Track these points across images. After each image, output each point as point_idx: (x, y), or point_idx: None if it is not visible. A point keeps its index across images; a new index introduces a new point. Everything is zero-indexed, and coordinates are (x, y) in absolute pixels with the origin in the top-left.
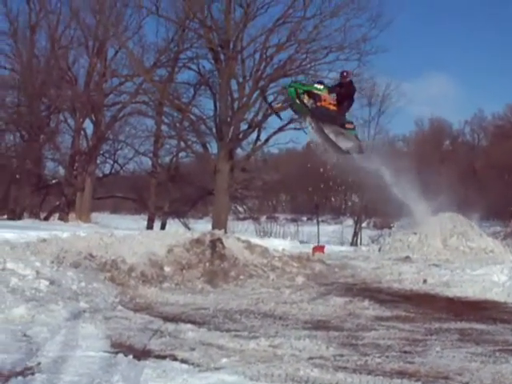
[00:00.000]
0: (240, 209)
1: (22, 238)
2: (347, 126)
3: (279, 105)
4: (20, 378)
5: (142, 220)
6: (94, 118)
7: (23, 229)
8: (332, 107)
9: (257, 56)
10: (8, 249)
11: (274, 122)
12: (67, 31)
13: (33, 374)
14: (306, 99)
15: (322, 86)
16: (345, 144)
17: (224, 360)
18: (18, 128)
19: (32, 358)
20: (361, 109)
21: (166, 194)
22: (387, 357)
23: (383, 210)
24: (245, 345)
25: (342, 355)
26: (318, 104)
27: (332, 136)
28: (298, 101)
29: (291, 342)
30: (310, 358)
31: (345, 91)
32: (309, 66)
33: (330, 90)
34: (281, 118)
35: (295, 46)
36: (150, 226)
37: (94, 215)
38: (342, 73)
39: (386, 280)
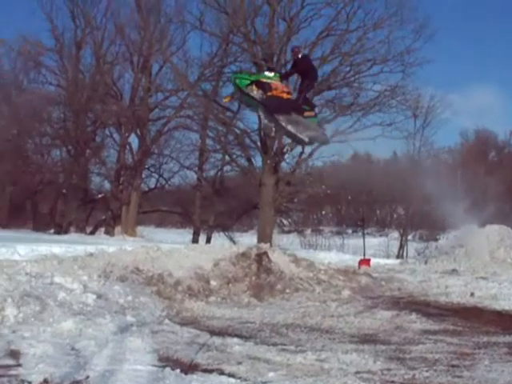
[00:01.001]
0: (285, 222)
1: (69, 252)
2: (306, 113)
3: (227, 98)
4: None
5: (187, 234)
6: (139, 133)
7: (70, 243)
8: (286, 95)
9: None
10: (56, 263)
11: None
12: (112, 47)
13: None
14: (254, 90)
15: (272, 74)
16: (306, 134)
17: (271, 374)
18: (65, 143)
19: (80, 371)
20: (406, 121)
21: (211, 207)
22: (435, 371)
23: (429, 223)
24: (292, 359)
25: (389, 369)
26: (269, 94)
27: (290, 127)
28: (245, 93)
29: (338, 355)
30: (357, 372)
31: (300, 69)
32: (353, 78)
33: (285, 75)
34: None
35: (339, 59)
36: (195, 240)
37: (140, 229)
38: (292, 50)
39: (433, 293)
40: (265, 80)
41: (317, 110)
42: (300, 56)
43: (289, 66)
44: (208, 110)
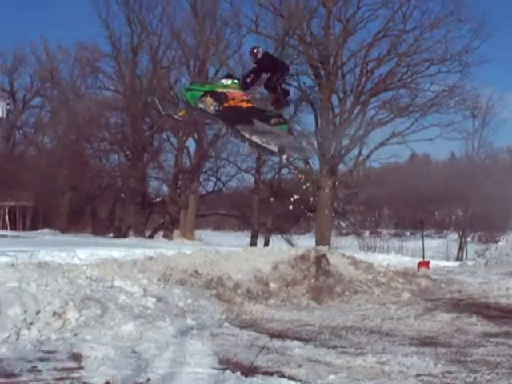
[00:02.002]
0: (343, 224)
1: (129, 255)
2: (273, 121)
3: (182, 112)
4: None
5: (244, 237)
6: (196, 137)
7: (129, 247)
8: (245, 104)
9: (357, 71)
10: (116, 267)
11: (375, 136)
12: (168, 52)
13: None
14: (208, 102)
15: (229, 81)
16: (275, 143)
17: (331, 377)
18: (123, 148)
19: (141, 374)
20: (464, 121)
21: (269, 210)
22: (497, 374)
23: (489, 224)
24: (352, 361)
25: (450, 372)
26: (226, 105)
27: (255, 138)
28: (196, 108)
29: (398, 358)
30: (418, 375)
31: (265, 67)
32: (410, 79)
33: (245, 79)
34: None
35: (396, 60)
36: (253, 243)
37: (198, 232)
38: (250, 52)
39: (494, 295)
40: (220, 90)
41: (285, 118)
42: (260, 56)
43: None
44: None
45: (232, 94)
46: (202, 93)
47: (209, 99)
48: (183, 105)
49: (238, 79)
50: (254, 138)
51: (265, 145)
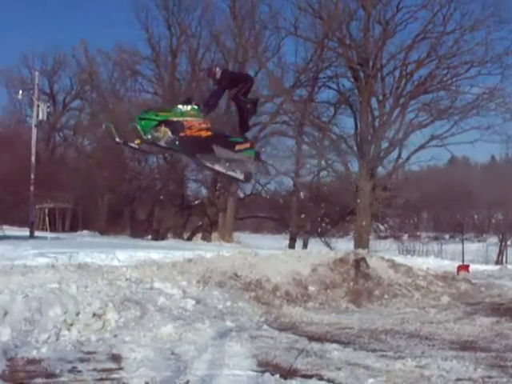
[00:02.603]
0: (381, 227)
1: (168, 257)
2: (238, 146)
3: (138, 141)
4: None
5: (283, 239)
6: None
7: (168, 249)
8: (204, 133)
9: (396, 73)
10: (155, 269)
11: (415, 139)
12: (207, 54)
13: None
14: (163, 132)
15: (188, 107)
16: (240, 170)
17: (370, 380)
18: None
19: (180, 375)
20: (504, 124)
21: (308, 213)
22: None
23: None
24: (391, 365)
25: (490, 377)
26: (182, 135)
27: (218, 166)
28: (149, 138)
29: (438, 362)
30: (458, 380)
31: (226, 83)
32: (450, 81)
33: (207, 103)
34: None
35: (435, 62)
36: (291, 246)
37: (236, 235)
38: (207, 73)
39: None
40: (176, 118)
41: (254, 145)
42: (219, 76)
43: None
44: (304, 115)
45: (189, 122)
46: (156, 122)
47: (163, 129)
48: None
49: (198, 105)
50: (216, 166)
51: (229, 173)
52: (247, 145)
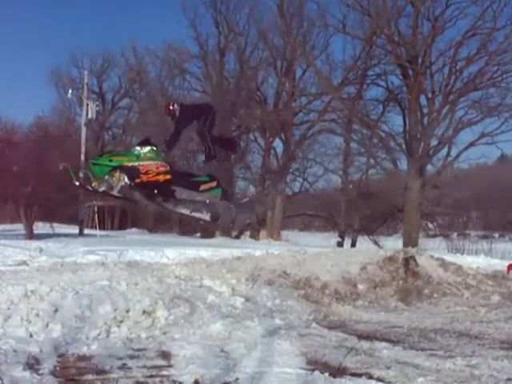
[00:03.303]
0: (430, 226)
1: (216, 255)
2: (203, 186)
3: (95, 182)
4: None
5: (331, 237)
6: (283, 137)
7: (216, 247)
8: (162, 177)
9: (446, 70)
10: (204, 266)
11: (464, 137)
12: (255, 52)
13: None
14: (117, 178)
15: (146, 149)
16: (206, 211)
17: (420, 379)
18: None
19: (230, 373)
20: None
21: (356, 211)
22: None
23: None
24: (441, 364)
25: None
26: (138, 181)
27: (181, 208)
28: (102, 186)
29: (488, 362)
30: (509, 380)
31: (187, 118)
32: (500, 78)
33: (168, 143)
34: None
35: (485, 59)
36: (340, 244)
37: (284, 233)
38: (166, 110)
39: None
40: (131, 164)
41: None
42: (178, 113)
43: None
44: (352, 113)
45: (146, 167)
46: (110, 168)
47: (118, 175)
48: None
49: (156, 146)
50: (179, 208)
51: (193, 214)
52: (213, 184)
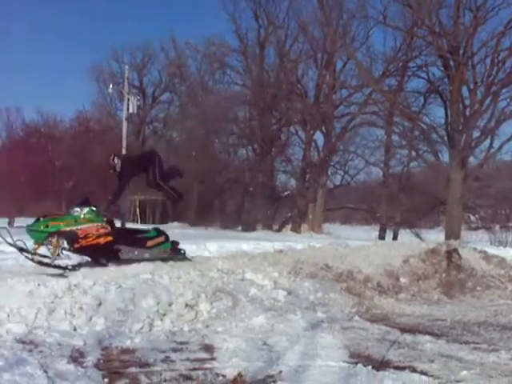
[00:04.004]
0: (472, 218)
1: (258, 248)
2: (150, 242)
3: (37, 245)
4: None
5: (372, 230)
6: (324, 130)
7: (258, 240)
8: (103, 239)
9: (488, 61)
10: (246, 260)
11: (507, 128)
12: (295, 45)
13: (274, 381)
14: (54, 245)
15: (85, 209)
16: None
17: (464, 373)
18: (251, 142)
19: (273, 366)
20: None
21: (398, 204)
22: None
23: None
24: (485, 357)
25: None
26: (76, 246)
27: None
28: (36, 254)
29: None
30: None
31: (128, 175)
32: None
33: (112, 200)
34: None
35: None
36: (381, 237)
37: (325, 226)
38: (108, 167)
39: None
40: (69, 228)
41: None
42: (119, 168)
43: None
44: (393, 105)
45: (84, 230)
46: (46, 234)
47: (55, 240)
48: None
49: (96, 206)
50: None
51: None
52: (161, 239)
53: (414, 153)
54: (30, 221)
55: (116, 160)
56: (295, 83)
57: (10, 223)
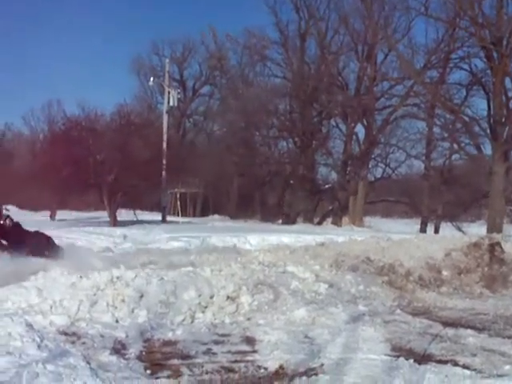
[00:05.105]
0: None
1: (299, 242)
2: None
3: None
4: (304, 378)
5: (413, 224)
6: (365, 123)
7: (299, 233)
8: None
9: None
10: (288, 253)
11: None
12: (336, 37)
13: (316, 374)
14: None
15: None
16: None
17: (507, 367)
18: (291, 134)
19: (314, 359)
20: None
21: (439, 197)
22: None
23: None
24: None
25: None
26: None
27: None
28: None
29: None
30: None
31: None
32: None
33: None
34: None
35: None
36: (423, 230)
37: (366, 219)
38: None
39: None
40: None
41: None
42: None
43: None
44: (435, 97)
45: None
46: None
47: None
48: None
49: None
50: None
51: None
52: None
53: (455, 145)
54: (72, 214)
55: (8, 221)
56: (336, 75)
57: (52, 216)
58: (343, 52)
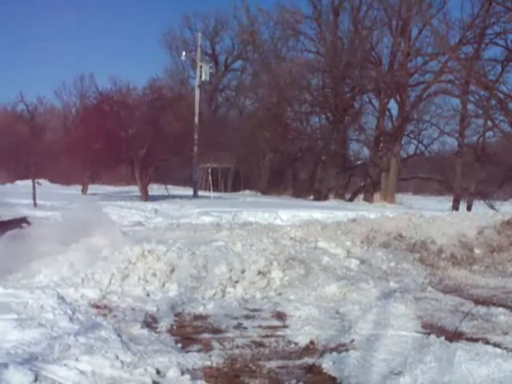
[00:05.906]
0: None
1: (330, 218)
2: None
3: None
4: (334, 353)
5: (446, 201)
6: (398, 99)
7: (330, 209)
8: None
9: None
10: (319, 228)
11: None
12: (370, 12)
13: (347, 350)
14: None
15: None
16: None
17: None
18: (324, 110)
19: (345, 335)
20: None
21: (472, 174)
22: None
23: None
24: None
25: None
26: None
27: None
28: None
29: None
30: None
31: None
32: None
33: None
34: None
35: None
36: (455, 207)
37: (398, 196)
38: None
39: None
40: None
41: None
42: None
43: None
44: (470, 73)
45: None
46: None
47: None
48: None
49: None
50: None
51: None
52: None
53: (490, 122)
54: (103, 188)
55: None
56: (369, 51)
57: (84, 190)
58: (377, 27)
